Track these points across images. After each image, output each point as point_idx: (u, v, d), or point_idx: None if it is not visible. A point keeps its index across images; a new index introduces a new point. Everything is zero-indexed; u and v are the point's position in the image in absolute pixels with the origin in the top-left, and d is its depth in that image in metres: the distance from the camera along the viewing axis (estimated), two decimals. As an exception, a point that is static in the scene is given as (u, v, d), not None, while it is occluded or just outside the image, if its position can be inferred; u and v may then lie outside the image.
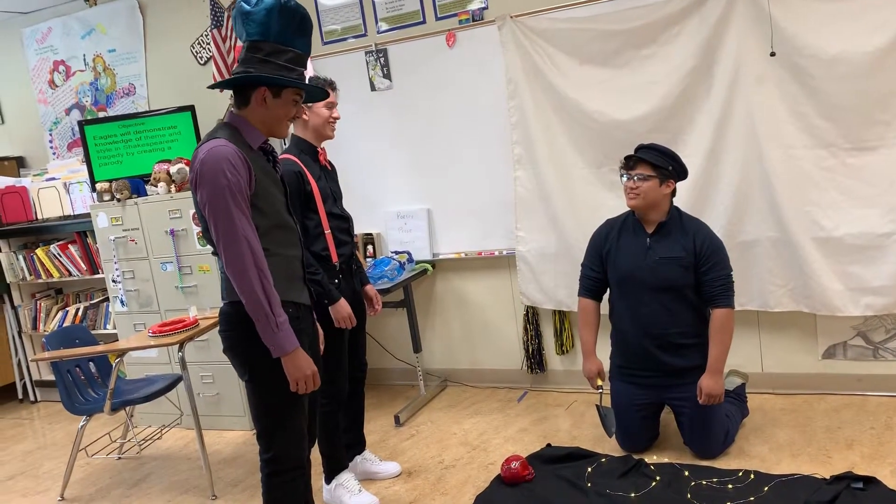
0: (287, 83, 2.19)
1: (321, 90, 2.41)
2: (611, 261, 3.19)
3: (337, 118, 3.02)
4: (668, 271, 3.05)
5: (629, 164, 3.07)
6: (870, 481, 2.67)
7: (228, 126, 2.22)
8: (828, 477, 2.76)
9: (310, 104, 2.87)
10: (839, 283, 3.33)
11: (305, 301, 2.39)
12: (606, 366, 3.31)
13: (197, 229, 4.05)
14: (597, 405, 3.28)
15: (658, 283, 3.06)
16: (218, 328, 2.35)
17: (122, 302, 4.38)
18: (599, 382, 3.23)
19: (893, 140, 3.18)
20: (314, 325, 2.48)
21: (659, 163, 3.01)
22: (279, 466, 2.34)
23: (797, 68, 3.25)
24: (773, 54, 3.26)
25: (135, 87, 5.05)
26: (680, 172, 3.09)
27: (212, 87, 2.40)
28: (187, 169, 4.11)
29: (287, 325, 2.18)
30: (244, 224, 2.11)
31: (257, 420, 2.33)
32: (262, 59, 2.16)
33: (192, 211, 4.05)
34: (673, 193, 3.11)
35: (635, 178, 3.03)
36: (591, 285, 3.28)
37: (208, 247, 3.99)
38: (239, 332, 2.23)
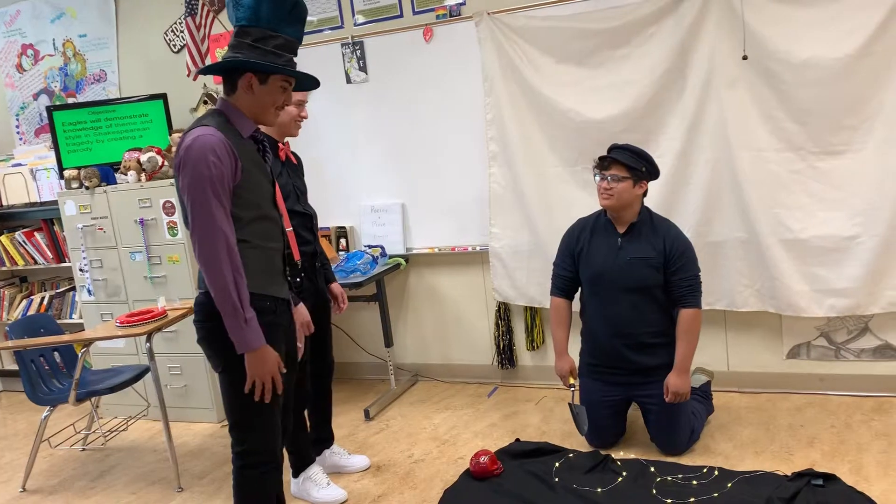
0: (272, 69, 2.16)
1: (311, 78, 2.32)
2: (583, 260, 3.22)
3: (304, 117, 2.99)
4: (638, 271, 3.08)
5: (603, 164, 3.09)
6: (829, 478, 2.73)
7: (219, 113, 2.19)
8: (789, 474, 2.81)
9: None
10: (804, 285, 3.39)
11: (284, 295, 2.37)
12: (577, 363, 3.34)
13: (167, 219, 4.01)
14: (569, 403, 3.30)
15: (628, 282, 3.09)
16: (193, 318, 2.31)
17: (89, 291, 4.32)
18: (572, 381, 3.26)
19: (860, 145, 3.25)
20: (292, 320, 2.46)
21: (633, 164, 3.04)
22: (252, 460, 2.31)
23: (769, 72, 3.30)
24: (745, 58, 3.31)
25: (106, 74, 4.97)
26: (653, 173, 3.13)
27: (200, 72, 2.37)
28: (158, 158, 4.06)
29: (255, 321, 2.14)
30: (221, 216, 2.09)
31: (231, 412, 2.30)
32: (250, 44, 2.13)
33: (163, 200, 4.00)
34: (644, 194, 3.15)
35: (609, 178, 3.05)
36: (563, 284, 3.30)
37: (178, 237, 3.99)
38: (215, 322, 2.19)
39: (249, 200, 2.19)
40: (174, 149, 4.25)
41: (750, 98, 3.37)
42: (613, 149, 3.11)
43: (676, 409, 3.10)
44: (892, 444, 3.00)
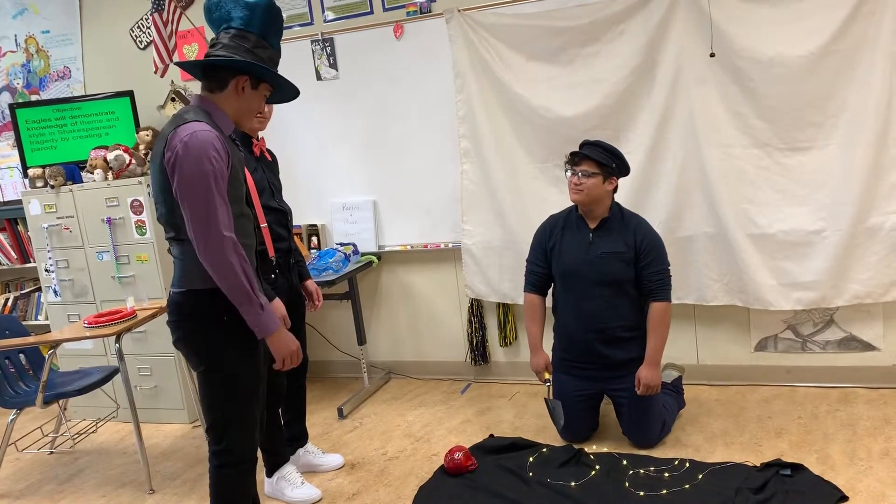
0: (273, 77, 2.22)
1: (294, 90, 2.37)
2: (555, 256, 3.24)
3: (266, 116, 2.99)
4: (609, 266, 3.11)
5: (574, 159, 3.12)
6: (797, 468, 2.79)
7: (201, 110, 2.17)
8: (758, 464, 2.87)
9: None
10: (771, 278, 3.45)
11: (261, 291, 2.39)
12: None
13: (135, 218, 3.95)
14: (545, 398, 3.32)
15: (600, 277, 3.12)
16: (167, 319, 2.29)
17: (55, 292, 4.25)
18: (547, 375, 3.28)
19: (824, 142, 3.31)
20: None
21: (604, 160, 3.06)
22: (230, 458, 2.31)
23: (736, 70, 3.35)
24: (712, 55, 3.36)
25: (70, 71, 4.88)
26: (623, 170, 3.16)
27: (186, 63, 2.34)
28: (125, 156, 3.99)
29: (269, 306, 2.20)
30: (224, 212, 2.10)
31: (210, 411, 2.30)
32: (249, 49, 2.17)
33: (131, 199, 3.95)
34: (615, 190, 3.18)
35: (580, 174, 3.08)
36: (537, 280, 3.32)
37: (147, 236, 3.93)
38: (190, 322, 2.19)
39: (234, 196, 2.19)
40: (142, 146, 4.20)
41: (717, 95, 3.41)
42: (585, 145, 3.14)
43: (648, 403, 3.14)
44: (856, 434, 3.07)
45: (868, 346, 3.49)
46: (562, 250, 3.22)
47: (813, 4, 3.21)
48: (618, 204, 3.22)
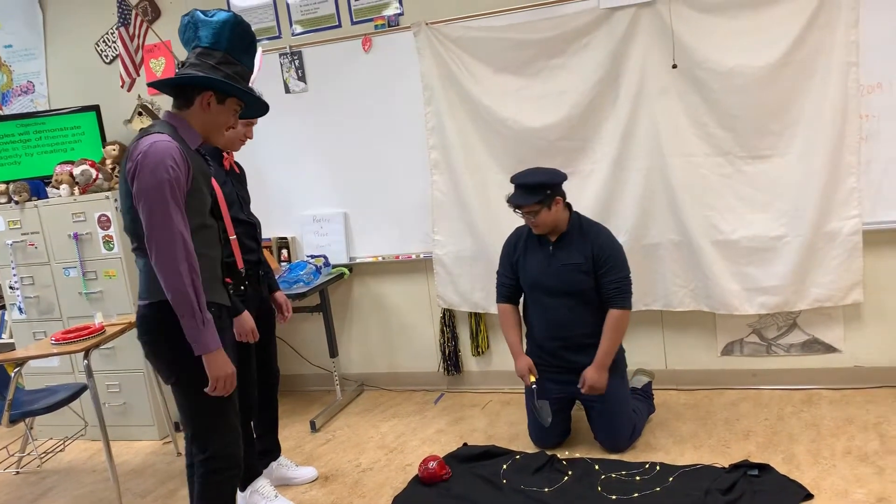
0: (236, 91, 2.25)
1: (262, 106, 2.43)
2: (520, 268, 3.31)
3: (250, 138, 3.02)
4: (570, 277, 3.17)
5: (514, 207, 3.17)
6: (764, 468, 2.85)
7: (167, 124, 2.22)
8: (727, 466, 2.92)
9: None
10: (736, 284, 3.53)
11: (226, 302, 2.39)
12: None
13: (103, 233, 3.91)
14: (531, 401, 3.32)
15: (562, 287, 3.19)
16: (137, 334, 2.30)
17: (20, 309, 4.18)
18: (532, 378, 3.29)
19: (784, 149, 3.40)
20: (232, 325, 2.46)
21: (534, 198, 3.10)
22: (216, 465, 2.32)
23: (697, 80, 3.44)
24: (675, 66, 3.44)
25: (34, 85, 4.82)
26: (557, 188, 3.16)
27: (154, 83, 2.33)
28: (92, 171, 3.96)
29: (212, 323, 2.17)
30: (179, 220, 2.10)
31: (190, 422, 2.30)
32: (213, 65, 2.21)
33: (98, 214, 3.91)
34: (566, 204, 3.23)
35: (526, 216, 3.15)
36: (507, 291, 3.38)
37: (115, 251, 3.90)
38: (159, 334, 2.20)
39: (195, 208, 2.20)
40: (108, 161, 4.17)
41: (680, 105, 3.49)
42: (514, 189, 3.16)
43: (618, 408, 3.19)
44: (820, 434, 3.14)
45: (830, 349, 3.59)
46: (526, 263, 3.28)
47: (770, 17, 3.31)
48: (577, 215, 3.27)
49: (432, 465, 3.08)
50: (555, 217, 3.15)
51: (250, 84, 2.77)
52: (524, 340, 3.41)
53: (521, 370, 3.31)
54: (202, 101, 2.23)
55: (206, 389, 2.21)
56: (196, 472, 2.34)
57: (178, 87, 2.25)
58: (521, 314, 3.40)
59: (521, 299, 3.40)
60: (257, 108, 2.43)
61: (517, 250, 3.32)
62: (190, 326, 2.12)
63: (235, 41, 2.25)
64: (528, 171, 3.23)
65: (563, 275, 3.17)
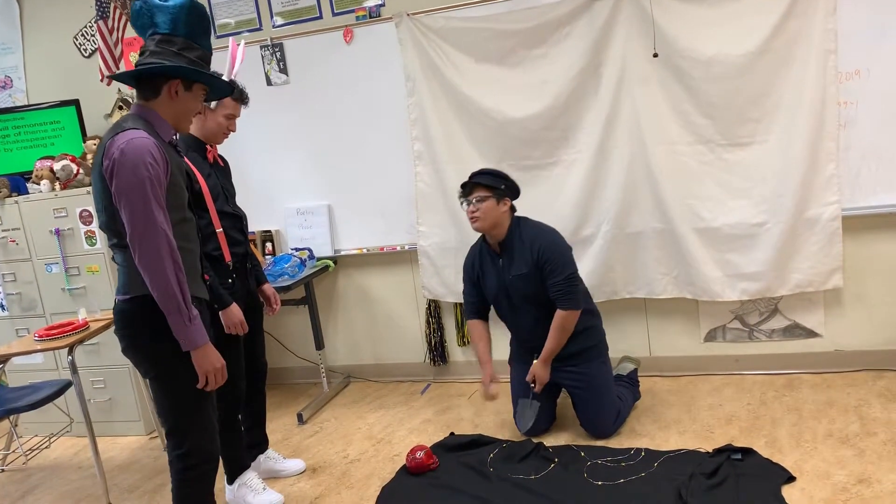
0: (203, 77, 2.23)
1: (227, 86, 2.41)
2: (482, 285, 3.36)
3: (233, 131, 3.00)
4: (521, 286, 3.22)
5: (466, 190, 3.21)
6: (747, 452, 2.89)
7: (139, 118, 2.19)
8: (710, 450, 2.96)
9: (212, 106, 2.85)
10: (718, 271, 3.57)
11: (205, 296, 2.39)
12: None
13: (85, 228, 3.89)
14: (517, 396, 3.37)
15: (519, 297, 3.24)
16: (114, 328, 2.28)
17: (2, 306, 4.14)
18: (493, 391, 3.29)
19: (763, 137, 3.43)
20: (212, 319, 2.47)
21: (492, 183, 3.15)
22: (193, 461, 2.32)
23: (678, 69, 3.46)
24: (655, 55, 3.46)
25: (11, 80, 4.77)
26: (513, 189, 3.23)
27: (116, 76, 2.31)
28: (73, 166, 3.93)
29: (199, 319, 2.18)
30: (161, 217, 2.10)
31: (167, 417, 2.30)
32: (176, 52, 2.18)
33: (80, 209, 3.88)
34: (512, 211, 3.25)
35: (474, 200, 3.16)
36: (474, 308, 3.42)
37: (97, 246, 3.87)
38: (139, 329, 2.20)
39: (174, 203, 2.19)
40: (89, 156, 4.13)
41: (661, 94, 3.51)
42: (473, 175, 3.22)
43: (600, 393, 3.23)
44: (802, 418, 3.19)
45: (811, 333, 3.63)
46: (484, 281, 3.34)
47: (749, 5, 3.33)
48: (517, 221, 3.26)
49: (420, 454, 3.10)
50: (497, 214, 3.17)
51: (233, 76, 2.78)
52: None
53: (485, 379, 3.32)
54: (169, 89, 2.21)
55: (197, 385, 2.22)
56: (172, 468, 2.34)
57: (143, 78, 2.21)
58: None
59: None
60: (223, 89, 2.40)
61: (475, 270, 3.37)
62: (176, 323, 2.13)
63: (194, 25, 2.21)
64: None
65: (516, 286, 3.22)
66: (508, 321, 3.38)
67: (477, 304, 3.41)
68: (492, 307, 3.42)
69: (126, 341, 2.26)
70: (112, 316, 3.52)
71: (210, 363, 2.21)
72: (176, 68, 2.17)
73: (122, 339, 2.27)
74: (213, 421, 2.35)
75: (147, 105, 2.22)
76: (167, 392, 2.26)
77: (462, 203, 3.23)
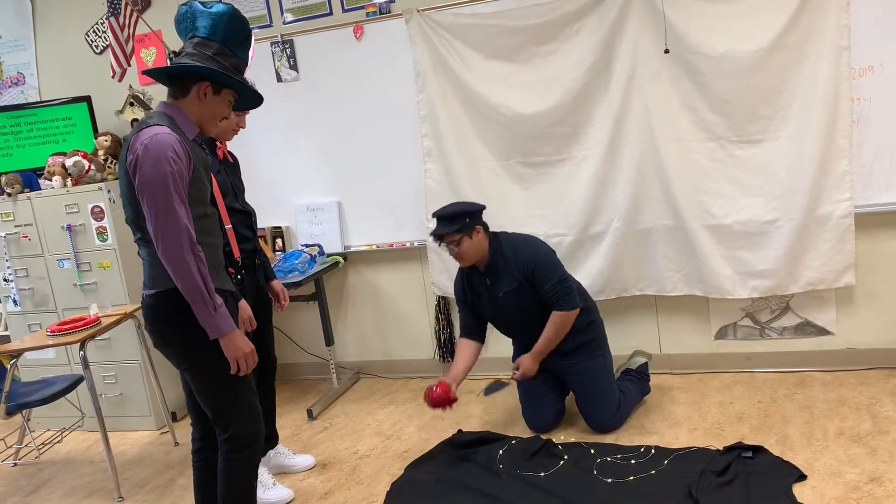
0: (233, 83, 2.27)
1: (256, 99, 2.45)
2: (476, 306, 3.37)
3: (243, 127, 3.03)
4: (515, 301, 3.23)
5: (437, 240, 3.20)
6: (758, 450, 2.88)
7: (165, 115, 2.23)
8: (721, 448, 2.95)
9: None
10: (729, 268, 3.55)
11: (231, 287, 2.43)
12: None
13: (96, 224, 3.91)
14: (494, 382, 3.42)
15: (515, 310, 3.25)
16: (145, 324, 2.33)
17: (14, 302, 4.18)
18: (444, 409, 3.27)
19: (775, 134, 3.41)
20: (237, 310, 2.52)
21: (455, 227, 3.13)
22: (239, 443, 2.37)
23: (689, 65, 3.44)
24: (667, 51, 3.44)
25: (24, 77, 4.80)
26: (476, 214, 3.21)
27: (150, 72, 2.33)
28: (84, 162, 3.95)
29: (224, 307, 2.22)
30: (183, 212, 2.13)
31: (210, 404, 2.35)
32: (210, 56, 2.22)
33: (91, 205, 3.90)
34: (487, 232, 3.24)
35: (451, 247, 3.18)
36: (466, 329, 3.41)
37: (109, 242, 3.89)
38: (167, 323, 2.25)
39: (196, 198, 2.22)
40: (101, 152, 4.15)
41: (672, 90, 3.50)
42: (436, 226, 3.19)
43: (599, 385, 3.26)
44: (813, 416, 3.17)
45: (823, 331, 3.61)
46: (477, 302, 3.35)
47: (761, 1, 3.30)
48: (496, 240, 3.25)
49: (437, 390, 3.14)
50: (478, 246, 3.18)
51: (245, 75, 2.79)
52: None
53: (432, 387, 3.24)
54: (199, 91, 2.25)
55: (230, 372, 2.26)
56: (220, 452, 2.40)
57: (174, 77, 2.25)
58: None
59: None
60: (252, 99, 2.45)
61: (466, 293, 3.37)
62: (202, 312, 2.17)
63: (232, 34, 2.27)
64: (447, 204, 3.29)
65: (510, 302, 3.23)
66: (513, 336, 3.43)
67: (469, 325, 3.40)
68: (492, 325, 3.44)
69: (156, 336, 2.31)
70: (122, 312, 3.57)
71: (239, 349, 2.25)
72: (208, 70, 2.21)
73: (152, 335, 2.33)
74: (254, 403, 2.40)
75: (175, 104, 2.27)
76: (203, 382, 2.32)
77: (439, 246, 3.23)
